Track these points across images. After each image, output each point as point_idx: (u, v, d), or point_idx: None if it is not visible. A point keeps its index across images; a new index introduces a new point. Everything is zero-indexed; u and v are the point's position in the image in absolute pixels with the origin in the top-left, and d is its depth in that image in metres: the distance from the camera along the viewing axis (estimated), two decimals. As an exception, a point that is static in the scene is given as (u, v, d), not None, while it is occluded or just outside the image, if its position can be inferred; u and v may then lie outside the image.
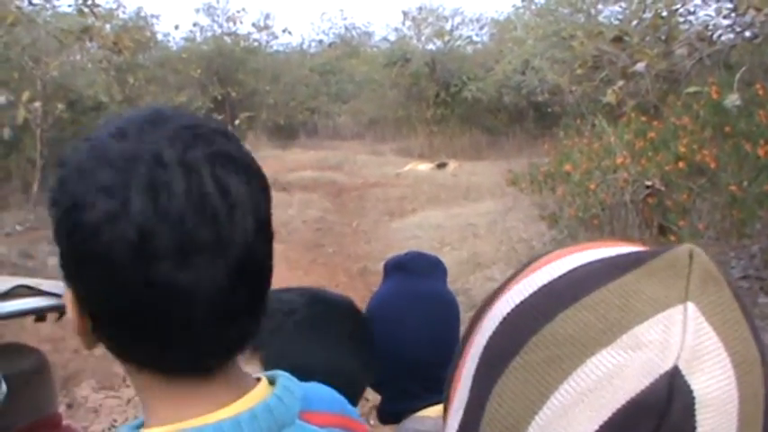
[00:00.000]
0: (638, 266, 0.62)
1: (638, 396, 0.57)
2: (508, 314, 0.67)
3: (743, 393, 0.58)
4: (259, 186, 0.91)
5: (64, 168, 0.90)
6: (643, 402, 0.56)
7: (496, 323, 0.68)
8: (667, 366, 0.57)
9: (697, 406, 0.56)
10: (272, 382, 1.04)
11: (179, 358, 0.93)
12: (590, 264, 0.66)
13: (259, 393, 0.99)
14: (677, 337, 0.57)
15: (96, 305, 0.91)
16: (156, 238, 0.83)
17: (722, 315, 0.59)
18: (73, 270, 0.91)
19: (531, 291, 0.67)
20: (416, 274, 1.90)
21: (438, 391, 1.82)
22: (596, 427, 0.57)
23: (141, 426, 0.96)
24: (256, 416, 0.95)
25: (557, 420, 0.59)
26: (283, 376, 1.05)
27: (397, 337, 1.81)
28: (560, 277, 0.66)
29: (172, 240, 0.84)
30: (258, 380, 1.03)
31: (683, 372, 0.56)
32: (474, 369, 0.69)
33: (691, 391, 0.56)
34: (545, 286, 0.66)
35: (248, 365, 1.45)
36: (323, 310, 1.64)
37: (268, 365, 1.46)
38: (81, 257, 0.88)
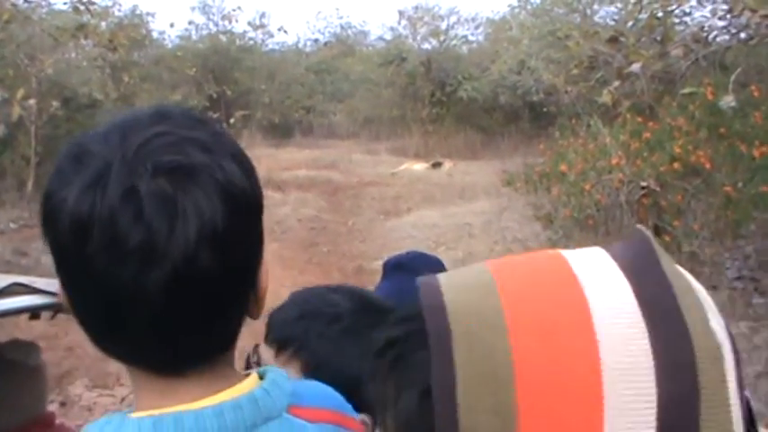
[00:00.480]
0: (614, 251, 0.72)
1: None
2: None
3: None
4: (221, 200, 0.91)
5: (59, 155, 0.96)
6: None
7: None
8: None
9: None
10: (262, 377, 1.05)
11: (143, 357, 0.96)
12: None
13: (246, 386, 1.00)
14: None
15: (67, 292, 0.96)
16: (87, 231, 0.87)
17: None
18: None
19: None
20: (416, 275, 1.88)
21: None
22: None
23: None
24: (240, 406, 0.96)
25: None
26: (273, 371, 1.06)
27: None
28: None
29: (102, 237, 0.87)
30: (248, 375, 1.04)
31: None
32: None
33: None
34: None
35: (286, 367, 1.44)
36: (369, 317, 1.59)
37: (309, 370, 1.46)
38: (49, 244, 0.94)
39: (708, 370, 0.62)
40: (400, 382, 0.71)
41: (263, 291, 1.03)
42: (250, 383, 1.01)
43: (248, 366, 1.49)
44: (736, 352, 0.65)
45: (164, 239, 0.87)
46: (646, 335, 0.63)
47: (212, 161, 0.92)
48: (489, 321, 0.66)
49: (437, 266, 1.95)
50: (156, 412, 0.94)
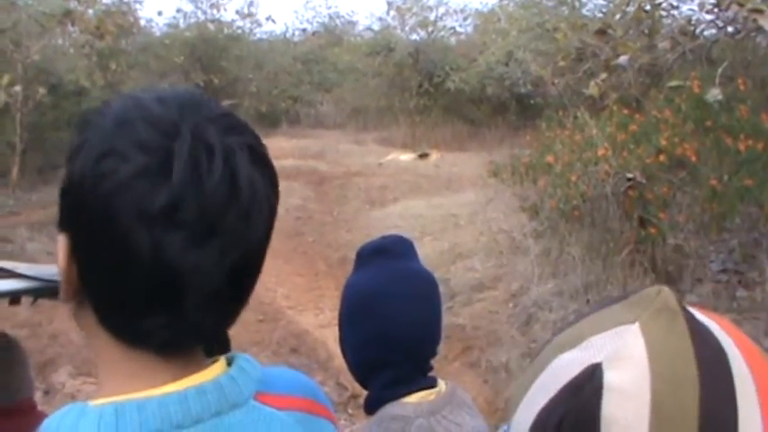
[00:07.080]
0: (620, 300, 0.82)
1: (571, 380, 0.76)
2: None
3: (657, 398, 0.73)
4: (271, 182, 0.94)
5: (100, 116, 0.92)
6: (571, 384, 0.76)
7: None
8: (596, 361, 0.76)
9: (604, 392, 0.73)
10: (230, 363, 1.03)
11: (152, 333, 0.93)
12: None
13: (212, 371, 0.99)
14: (612, 344, 0.76)
15: (89, 255, 0.92)
16: (184, 205, 0.85)
17: (663, 337, 0.75)
18: (77, 215, 0.91)
19: None
20: (400, 257, 1.87)
21: (428, 372, 1.82)
22: (546, 401, 0.77)
23: None
24: (205, 392, 0.95)
25: (533, 396, 0.80)
26: (242, 357, 1.04)
27: (394, 322, 1.78)
28: None
29: (198, 213, 0.86)
30: (216, 361, 1.02)
31: (604, 366, 0.75)
32: None
33: (601, 379, 0.74)
34: None
35: None
36: None
37: None
38: (93, 206, 0.88)
39: None
40: None
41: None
42: (216, 369, 0.99)
43: None
44: None
45: (250, 220, 0.90)
46: None
47: (260, 143, 0.96)
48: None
49: (412, 247, 1.95)
50: (119, 399, 0.92)
